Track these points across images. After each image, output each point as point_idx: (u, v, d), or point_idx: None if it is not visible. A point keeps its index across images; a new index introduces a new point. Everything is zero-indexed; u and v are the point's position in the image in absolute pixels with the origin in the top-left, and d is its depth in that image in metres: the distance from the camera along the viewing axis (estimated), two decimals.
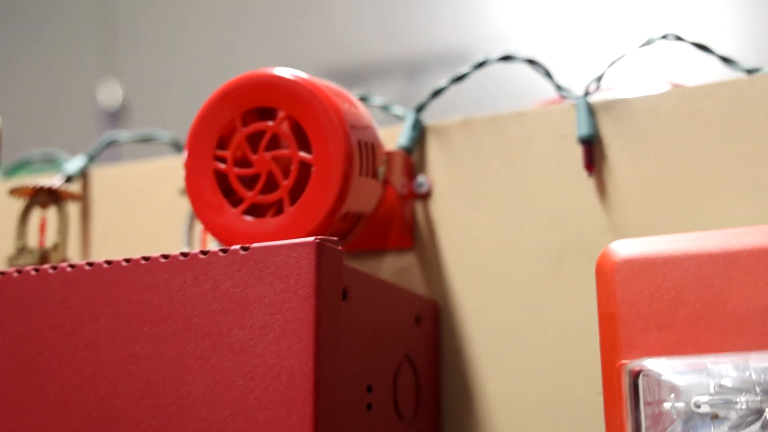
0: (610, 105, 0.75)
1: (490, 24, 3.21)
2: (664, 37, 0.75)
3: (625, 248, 0.58)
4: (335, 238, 0.56)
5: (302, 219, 0.64)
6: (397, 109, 0.84)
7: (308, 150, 0.65)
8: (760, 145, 0.70)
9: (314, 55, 3.05)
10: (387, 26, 3.18)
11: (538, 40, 2.91)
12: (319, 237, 0.55)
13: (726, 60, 0.75)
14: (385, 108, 0.85)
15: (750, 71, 0.74)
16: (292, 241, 0.55)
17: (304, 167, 0.65)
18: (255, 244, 0.56)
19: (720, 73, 0.78)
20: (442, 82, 0.80)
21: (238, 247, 0.56)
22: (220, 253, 0.56)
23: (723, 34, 2.87)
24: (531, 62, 0.78)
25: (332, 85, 0.68)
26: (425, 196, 0.79)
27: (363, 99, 0.84)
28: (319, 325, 0.54)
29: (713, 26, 2.90)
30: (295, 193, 0.65)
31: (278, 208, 0.66)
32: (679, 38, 0.75)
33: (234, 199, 0.67)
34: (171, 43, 3.08)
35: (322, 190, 0.64)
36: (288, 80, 0.65)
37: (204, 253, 0.57)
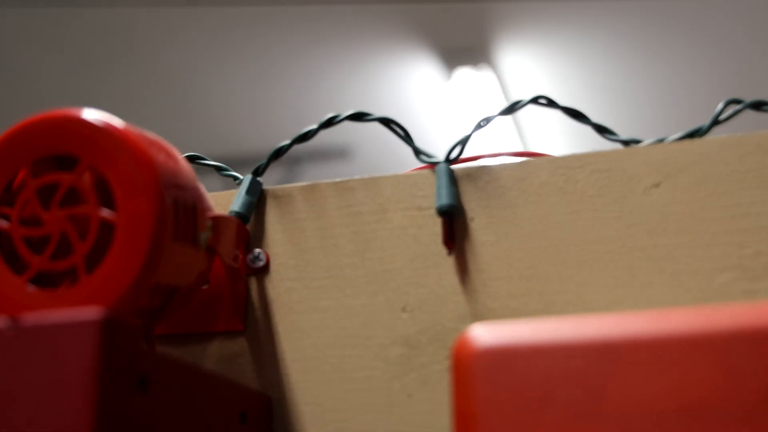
0: (474, 174, 0.68)
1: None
2: (535, 100, 0.69)
3: (485, 334, 0.50)
4: (130, 313, 0.46)
5: (101, 290, 0.54)
6: (234, 172, 0.75)
7: (112, 208, 0.55)
8: (640, 224, 0.63)
9: (190, 145, 3.02)
10: (266, 117, 3.15)
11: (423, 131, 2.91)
12: (107, 311, 0.44)
13: (601, 129, 0.69)
14: (219, 169, 0.76)
15: (627, 142, 0.68)
16: (69, 317, 0.44)
17: (106, 228, 0.55)
18: (26, 319, 0.45)
19: (594, 145, 0.73)
20: (285, 141, 0.72)
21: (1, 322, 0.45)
22: None
23: (595, 109, 2.93)
24: (386, 122, 0.70)
25: (150, 134, 0.59)
26: (261, 272, 0.70)
27: (194, 158, 0.75)
28: (103, 424, 0.43)
29: (585, 99, 2.95)
30: (94, 259, 0.55)
31: (72, 278, 0.55)
32: (551, 102, 0.69)
33: (18, 266, 0.56)
34: None
35: (126, 256, 0.54)
36: (89, 123, 0.56)
37: None
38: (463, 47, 2.90)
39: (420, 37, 2.88)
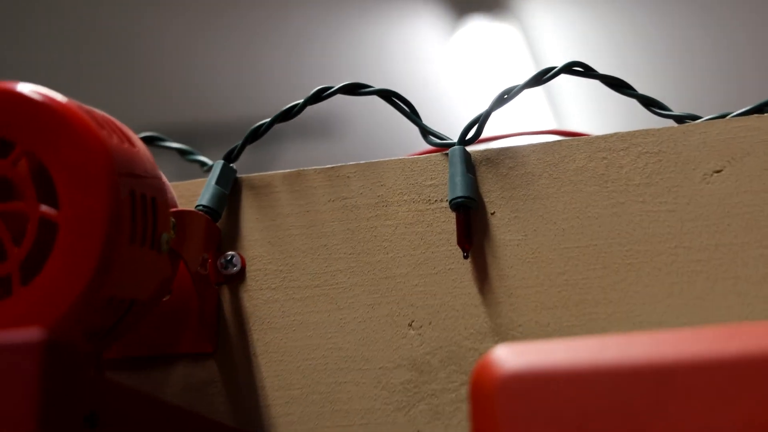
0: (496, 158, 0.68)
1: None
2: (569, 67, 0.69)
3: (511, 357, 0.50)
4: (76, 333, 0.47)
5: (40, 305, 0.54)
6: (202, 157, 0.75)
7: (54, 203, 0.55)
8: (699, 219, 0.64)
9: (143, 112, 3.02)
10: (228, 86, 3.13)
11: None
12: (48, 331, 0.45)
13: (650, 102, 0.69)
14: (183, 153, 0.76)
15: (682, 118, 0.68)
16: (2, 339, 0.45)
17: (47, 228, 0.55)
18: None
19: (642, 123, 0.73)
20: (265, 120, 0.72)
21: None
22: None
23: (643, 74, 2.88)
24: (386, 95, 0.70)
25: (99, 112, 0.59)
26: (235, 279, 0.70)
27: (153, 140, 0.75)
28: None
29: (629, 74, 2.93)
30: (32, 267, 0.55)
31: (5, 289, 0.56)
32: (588, 70, 0.69)
33: None
34: None
35: (72, 262, 0.54)
36: (24, 99, 0.56)
37: None
38: None
39: None
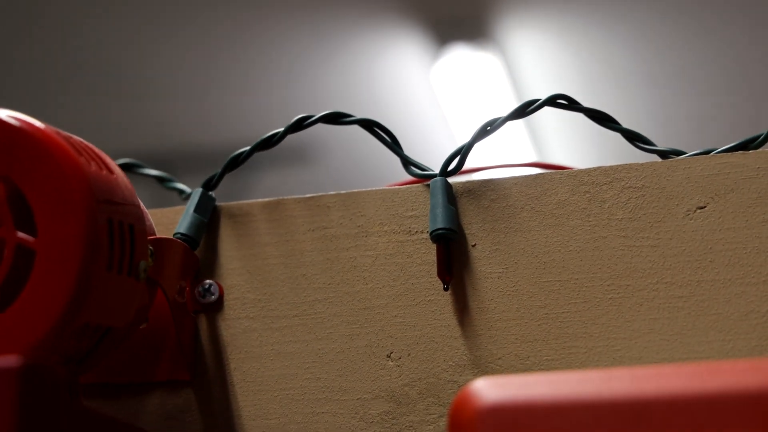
0: (478, 190, 0.69)
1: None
2: (553, 100, 0.70)
3: (490, 390, 0.51)
4: (52, 359, 0.47)
5: (16, 331, 0.55)
6: (180, 184, 0.76)
7: (32, 230, 0.56)
8: (681, 255, 0.64)
9: (122, 139, 3.02)
10: (208, 113, 3.13)
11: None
12: (24, 357, 0.45)
13: (634, 136, 0.70)
14: (161, 180, 0.76)
15: (666, 153, 0.69)
16: None
17: (24, 255, 0.56)
18: None
19: (625, 157, 0.74)
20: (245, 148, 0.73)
21: None
22: None
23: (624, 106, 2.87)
24: (368, 125, 0.71)
25: (78, 139, 0.60)
26: (213, 308, 0.71)
27: (131, 167, 0.76)
28: None
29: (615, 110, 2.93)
30: (9, 293, 0.56)
31: None
32: (572, 103, 0.70)
33: None
34: None
35: (49, 289, 0.55)
36: (4, 125, 0.57)
37: None
38: (458, 18, 2.86)
39: (404, 6, 2.84)
